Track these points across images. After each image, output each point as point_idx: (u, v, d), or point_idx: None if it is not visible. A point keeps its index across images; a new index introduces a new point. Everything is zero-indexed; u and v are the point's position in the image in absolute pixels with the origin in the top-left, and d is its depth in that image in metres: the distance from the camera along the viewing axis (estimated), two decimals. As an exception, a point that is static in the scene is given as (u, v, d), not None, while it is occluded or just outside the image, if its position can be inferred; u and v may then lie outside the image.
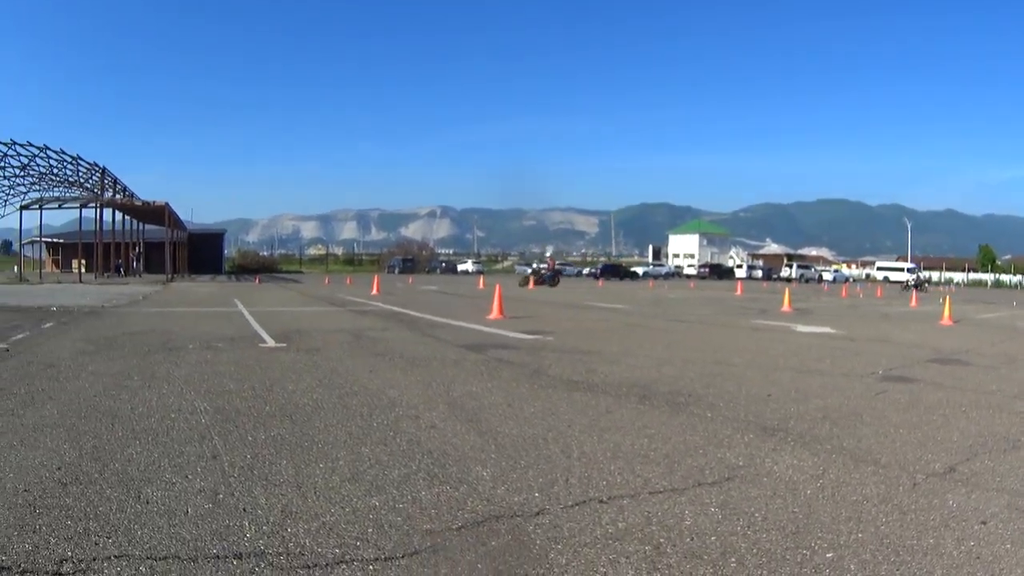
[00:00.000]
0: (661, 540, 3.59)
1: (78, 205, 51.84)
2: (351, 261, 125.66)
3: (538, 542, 3.55)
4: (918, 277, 60.00)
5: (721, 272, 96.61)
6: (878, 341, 13.78)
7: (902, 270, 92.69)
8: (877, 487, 4.49)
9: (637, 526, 3.78)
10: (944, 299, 22.27)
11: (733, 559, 3.38)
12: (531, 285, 37.47)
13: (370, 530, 3.68)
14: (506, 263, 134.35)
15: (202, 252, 78.96)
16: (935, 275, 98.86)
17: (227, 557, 3.31)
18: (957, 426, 6.31)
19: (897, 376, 9.13)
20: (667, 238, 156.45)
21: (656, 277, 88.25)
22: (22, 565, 3.18)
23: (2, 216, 65.82)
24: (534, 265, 59.36)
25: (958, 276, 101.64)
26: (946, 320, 19.20)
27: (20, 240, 57.92)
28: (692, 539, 3.62)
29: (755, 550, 3.48)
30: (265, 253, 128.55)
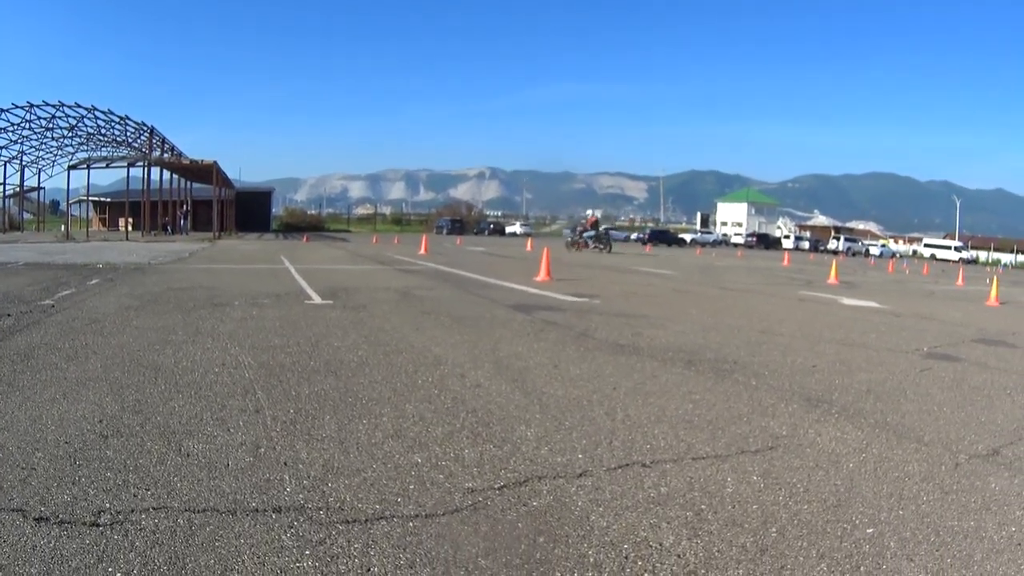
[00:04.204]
0: (702, 507, 3.59)
1: (126, 164, 51.77)
2: (399, 221, 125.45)
3: (580, 504, 3.56)
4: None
5: (768, 242, 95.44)
6: (923, 318, 13.54)
7: (950, 248, 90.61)
8: (919, 465, 4.43)
9: (679, 491, 3.78)
10: (991, 279, 21.78)
11: (774, 529, 3.37)
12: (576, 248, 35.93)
13: (411, 487, 3.70)
14: (554, 226, 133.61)
15: (250, 210, 79.19)
16: (983, 255, 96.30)
17: (266, 511, 3.34)
18: (1001, 408, 6.18)
19: (942, 354, 8.97)
20: (715, 206, 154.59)
21: (703, 244, 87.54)
22: (60, 516, 3.21)
23: (50, 176, 66.61)
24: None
25: (1007, 257, 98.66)
26: (993, 300, 18.74)
27: (68, 199, 58.53)
28: (734, 507, 3.61)
29: (796, 521, 3.47)
30: (313, 212, 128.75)
